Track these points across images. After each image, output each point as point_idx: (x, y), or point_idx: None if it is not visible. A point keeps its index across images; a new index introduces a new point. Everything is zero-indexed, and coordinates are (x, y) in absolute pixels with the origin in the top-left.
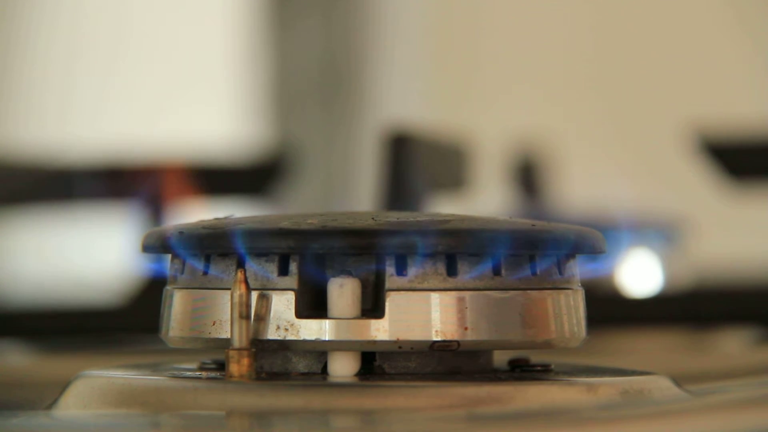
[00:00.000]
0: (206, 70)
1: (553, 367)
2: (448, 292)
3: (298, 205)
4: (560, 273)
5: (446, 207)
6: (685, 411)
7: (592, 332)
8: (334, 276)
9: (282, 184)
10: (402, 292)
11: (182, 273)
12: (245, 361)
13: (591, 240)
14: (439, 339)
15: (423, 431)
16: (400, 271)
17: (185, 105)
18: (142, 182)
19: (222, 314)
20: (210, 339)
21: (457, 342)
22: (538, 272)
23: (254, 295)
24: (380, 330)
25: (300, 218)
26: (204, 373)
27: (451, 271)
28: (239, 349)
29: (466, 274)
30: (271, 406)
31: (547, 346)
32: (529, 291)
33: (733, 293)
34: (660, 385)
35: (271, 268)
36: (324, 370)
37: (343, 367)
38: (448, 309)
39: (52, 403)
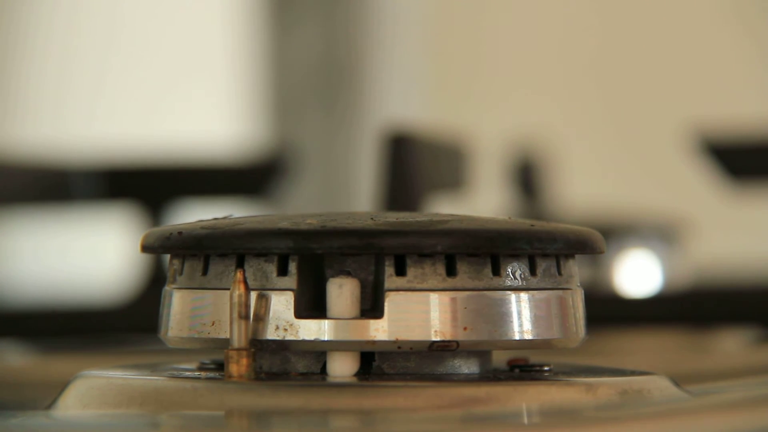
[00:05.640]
0: (206, 70)
1: (552, 367)
2: (447, 293)
3: (297, 205)
4: (559, 273)
5: (446, 207)
6: (685, 411)
7: (592, 332)
8: (333, 276)
9: (281, 184)
10: (401, 293)
11: (181, 273)
12: (244, 361)
13: (590, 240)
14: (438, 339)
15: (422, 431)
16: (399, 271)
17: (185, 105)
18: (141, 182)
19: (221, 314)
20: (209, 339)
21: (456, 342)
22: (537, 272)
23: (253, 295)
24: (379, 330)
25: (299, 218)
26: (203, 373)
27: (450, 272)
28: (238, 349)
29: (465, 274)
30: (270, 406)
31: (547, 346)
32: (528, 291)
33: (733, 293)
34: (659, 385)
35: (270, 269)
36: (323, 370)
37: (342, 367)
38: (447, 309)
39: (51, 403)
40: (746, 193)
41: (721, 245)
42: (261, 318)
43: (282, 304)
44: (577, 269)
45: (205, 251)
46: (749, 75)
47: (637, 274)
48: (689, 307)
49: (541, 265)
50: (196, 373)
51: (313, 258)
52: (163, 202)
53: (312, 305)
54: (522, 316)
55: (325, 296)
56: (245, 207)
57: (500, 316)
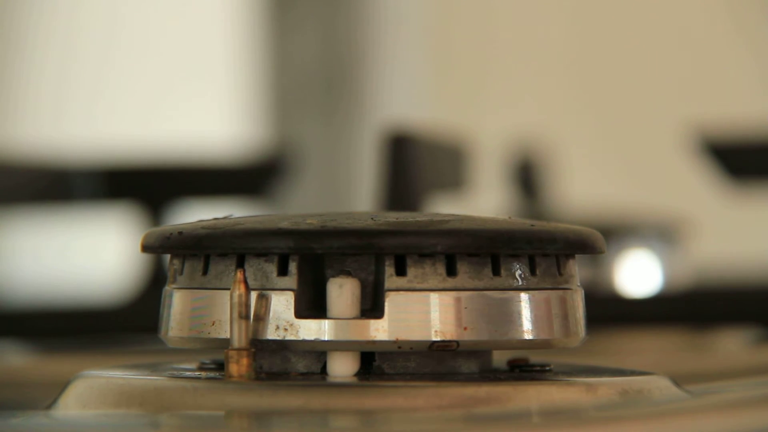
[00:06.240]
0: (206, 70)
1: (552, 367)
2: (447, 292)
3: (297, 205)
4: (559, 273)
5: (446, 207)
6: (685, 411)
7: (592, 332)
8: (333, 276)
9: (282, 184)
10: (401, 292)
11: (181, 273)
12: (244, 361)
13: (590, 240)
14: (438, 339)
15: (423, 431)
16: (400, 271)
17: (185, 105)
18: (141, 182)
19: (221, 314)
20: (209, 339)
21: (457, 342)
22: (537, 272)
23: (253, 295)
24: (379, 330)
25: (299, 218)
26: (203, 373)
27: (451, 271)
28: (238, 349)
29: (465, 274)
30: (270, 406)
31: (547, 346)
32: (528, 291)
33: (733, 293)
34: (659, 385)
35: (271, 268)
36: (323, 370)
37: (342, 367)
38: (447, 309)
39: (51, 403)
40: (746, 193)
41: (721, 245)
42: (261, 318)
43: (282, 304)
44: (577, 269)
45: (206, 251)
46: (749, 75)
47: (637, 274)
48: (689, 307)
49: (541, 265)
50: (197, 373)
51: (314, 258)
52: (163, 202)
53: (312, 305)
54: (522, 316)
55: (326, 296)
56: (245, 207)
57: (500, 316)
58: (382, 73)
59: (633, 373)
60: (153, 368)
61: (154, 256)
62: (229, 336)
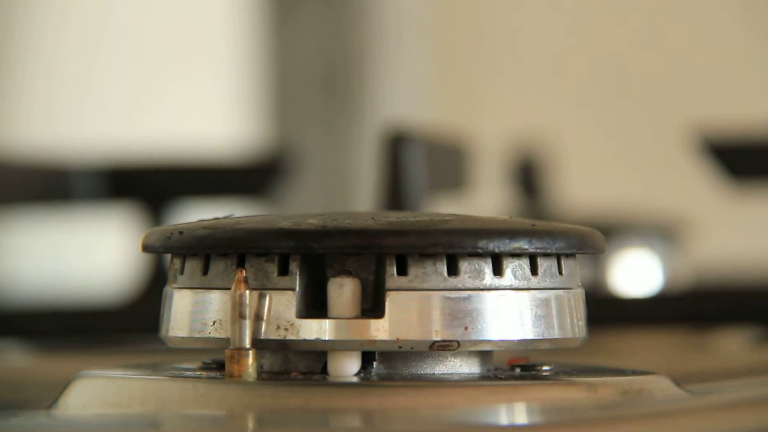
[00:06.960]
0: (207, 69)
1: (552, 367)
2: (448, 292)
3: (298, 205)
4: (560, 273)
5: (446, 207)
6: (685, 411)
7: (592, 332)
8: (334, 276)
9: (282, 184)
10: (402, 292)
11: (182, 273)
12: (245, 360)
13: (591, 240)
14: (438, 339)
15: (423, 431)
16: (401, 270)
17: (186, 104)
18: (141, 182)
19: (222, 314)
20: (210, 339)
21: (457, 342)
22: (538, 272)
23: (254, 294)
24: (380, 330)
25: (300, 218)
26: (204, 373)
27: (451, 271)
28: (239, 349)
29: (465, 273)
30: (271, 406)
31: (547, 346)
32: (529, 291)
33: (733, 293)
34: (660, 385)
35: (271, 268)
36: (324, 369)
37: (343, 366)
38: (447, 309)
39: (52, 403)
40: (747, 193)
41: (722, 245)
42: (262, 318)
43: (283, 304)
44: (578, 269)
45: (206, 251)
46: (750, 74)
47: (637, 273)
48: (689, 307)
49: (542, 264)
50: (197, 373)
51: (314, 258)
52: (164, 201)
53: (313, 305)
54: (523, 315)
55: (326, 296)
56: (246, 207)
57: (501, 316)
58: (382, 72)
59: (633, 373)
60: (153, 368)
61: (155, 256)
62: (229, 336)
